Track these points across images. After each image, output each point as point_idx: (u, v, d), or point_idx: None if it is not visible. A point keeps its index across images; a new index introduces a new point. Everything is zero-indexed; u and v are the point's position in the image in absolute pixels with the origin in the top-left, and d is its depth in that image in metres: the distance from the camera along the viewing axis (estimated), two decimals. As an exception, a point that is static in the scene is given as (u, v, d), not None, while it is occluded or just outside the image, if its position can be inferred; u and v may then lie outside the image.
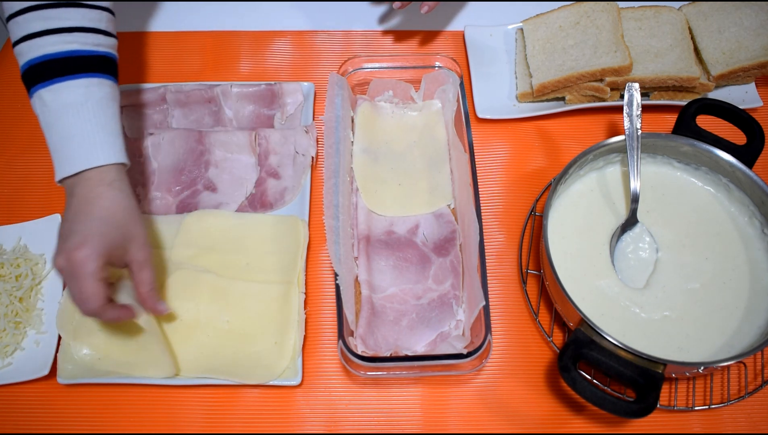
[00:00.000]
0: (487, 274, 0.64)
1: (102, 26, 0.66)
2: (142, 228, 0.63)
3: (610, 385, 0.66)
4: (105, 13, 0.67)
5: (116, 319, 0.61)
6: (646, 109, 0.84)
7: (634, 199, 0.69)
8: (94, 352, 0.66)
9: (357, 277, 0.70)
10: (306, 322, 0.69)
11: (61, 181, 0.62)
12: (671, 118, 0.77)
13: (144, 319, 0.63)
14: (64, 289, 0.69)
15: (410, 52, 0.91)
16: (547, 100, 0.86)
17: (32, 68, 0.62)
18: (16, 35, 0.63)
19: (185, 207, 0.76)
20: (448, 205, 0.76)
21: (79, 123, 0.61)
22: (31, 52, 0.62)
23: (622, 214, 0.72)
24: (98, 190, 0.61)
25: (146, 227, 0.64)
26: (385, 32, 0.94)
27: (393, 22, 0.95)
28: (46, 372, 0.65)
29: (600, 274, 0.68)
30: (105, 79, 0.64)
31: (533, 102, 0.86)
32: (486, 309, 0.62)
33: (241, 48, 0.92)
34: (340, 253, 0.66)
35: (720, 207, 0.72)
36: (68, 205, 0.62)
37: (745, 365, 0.67)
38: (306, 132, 0.79)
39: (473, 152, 0.73)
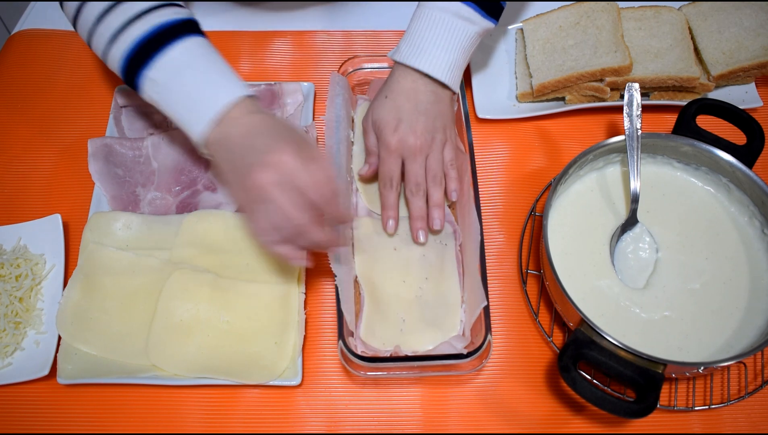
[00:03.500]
0: (487, 274, 0.64)
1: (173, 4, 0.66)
2: (307, 140, 0.62)
3: (610, 385, 0.66)
4: None
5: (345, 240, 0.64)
6: (646, 109, 0.84)
7: (634, 199, 0.69)
8: (94, 352, 0.66)
9: (356, 277, 0.70)
10: (306, 322, 0.69)
11: (206, 144, 0.61)
12: (671, 118, 0.77)
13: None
14: (64, 288, 0.69)
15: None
16: (547, 100, 0.86)
17: (129, 60, 0.62)
18: (101, 43, 0.64)
19: (185, 207, 0.76)
20: (448, 205, 0.75)
21: (196, 76, 0.61)
22: (121, 48, 0.62)
23: (622, 214, 0.72)
24: (256, 119, 0.60)
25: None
26: (385, 32, 0.94)
27: (393, 22, 0.95)
28: (46, 372, 0.65)
29: (600, 274, 0.68)
30: (196, 38, 0.64)
31: (533, 102, 0.86)
32: (486, 309, 0.62)
33: (241, 48, 0.92)
34: (340, 254, 0.66)
35: (720, 207, 0.72)
36: (230, 151, 0.60)
37: (745, 365, 0.67)
38: (306, 132, 0.79)
39: (473, 152, 0.73)
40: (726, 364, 0.58)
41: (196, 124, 0.61)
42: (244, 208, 0.63)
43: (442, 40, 0.67)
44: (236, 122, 0.60)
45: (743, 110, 0.71)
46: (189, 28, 0.64)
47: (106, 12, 0.63)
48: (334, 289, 0.64)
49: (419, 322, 0.68)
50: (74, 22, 0.67)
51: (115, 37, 0.63)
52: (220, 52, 0.65)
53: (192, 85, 0.61)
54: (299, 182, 0.57)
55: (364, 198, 0.76)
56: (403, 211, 0.75)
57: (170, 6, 0.65)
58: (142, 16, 0.63)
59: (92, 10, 0.64)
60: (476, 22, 0.68)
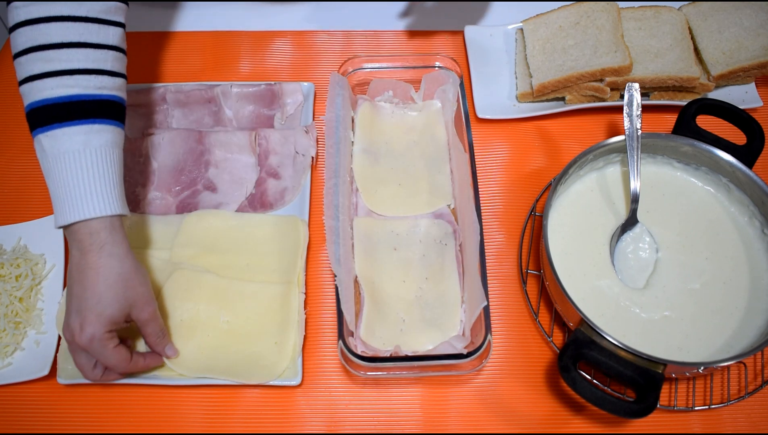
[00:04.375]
0: (487, 274, 0.64)
1: (107, 66, 0.63)
2: (141, 287, 0.62)
3: (610, 385, 0.66)
4: (111, 52, 0.64)
5: (146, 367, 0.64)
6: (646, 109, 0.84)
7: (634, 199, 0.69)
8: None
9: (356, 277, 0.70)
10: (306, 322, 0.69)
11: (61, 228, 0.61)
12: (671, 118, 0.77)
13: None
14: (64, 288, 0.69)
15: (410, 52, 0.91)
16: (547, 100, 0.86)
17: (33, 111, 0.60)
18: (20, 76, 0.62)
19: (185, 207, 0.76)
20: (448, 205, 0.76)
21: (74, 172, 0.59)
22: (32, 94, 0.60)
23: (622, 214, 0.72)
24: (89, 260, 0.59)
25: (146, 283, 0.63)
26: (385, 32, 0.94)
27: (393, 22, 0.95)
28: (46, 372, 0.65)
29: (600, 274, 0.68)
30: (107, 125, 0.62)
31: (533, 102, 0.86)
32: (486, 309, 0.62)
33: (241, 48, 0.92)
34: (340, 253, 0.66)
35: (720, 207, 0.72)
36: (69, 264, 0.61)
37: (745, 365, 0.67)
38: (306, 132, 0.79)
39: (473, 152, 0.73)
40: (726, 364, 0.58)
41: (57, 212, 0.60)
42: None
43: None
44: (79, 247, 0.60)
45: (743, 110, 0.71)
46: (106, 110, 0.62)
47: (42, 48, 0.60)
48: (334, 289, 0.64)
49: (419, 322, 0.68)
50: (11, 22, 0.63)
51: (33, 79, 0.60)
52: (120, 150, 0.64)
53: (70, 176, 0.59)
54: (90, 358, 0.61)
55: (364, 198, 0.76)
56: (402, 211, 0.75)
57: (101, 75, 0.62)
58: (67, 74, 0.60)
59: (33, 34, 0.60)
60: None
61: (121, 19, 0.66)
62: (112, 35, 0.65)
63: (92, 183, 0.60)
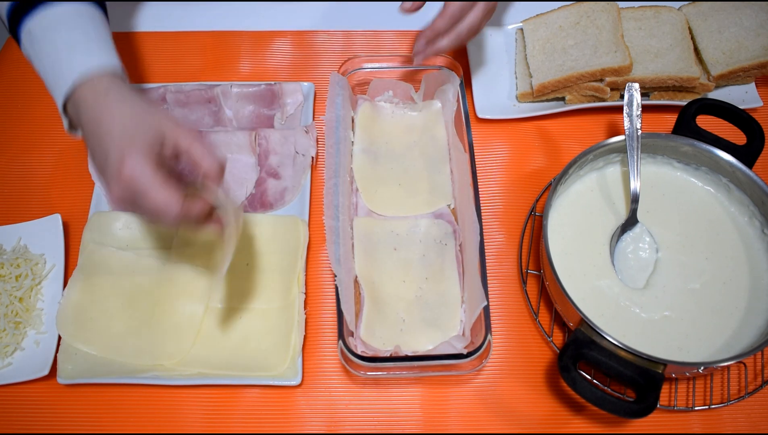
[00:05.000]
0: (487, 274, 0.64)
1: None
2: (164, 116, 0.58)
3: (610, 385, 0.66)
4: None
5: (201, 211, 0.56)
6: (646, 109, 0.84)
7: (634, 199, 0.69)
8: (94, 352, 0.66)
9: (356, 277, 0.70)
10: (306, 322, 0.69)
11: (66, 114, 0.60)
12: (671, 118, 0.77)
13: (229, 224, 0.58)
14: (64, 288, 0.69)
15: (410, 52, 0.91)
16: (547, 100, 0.86)
17: (14, 9, 0.61)
18: None
19: (185, 207, 0.76)
20: (448, 205, 0.76)
21: (63, 38, 0.60)
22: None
23: (622, 214, 0.72)
24: (101, 107, 0.57)
25: (170, 116, 0.59)
26: (385, 32, 0.94)
27: (393, 22, 0.95)
28: (46, 372, 0.65)
29: (600, 274, 0.68)
30: (91, 7, 0.63)
31: (533, 102, 0.86)
32: (486, 309, 0.62)
33: (241, 48, 0.92)
34: (340, 254, 0.66)
35: (720, 207, 0.72)
36: (86, 139, 0.58)
37: (745, 365, 0.67)
38: (306, 132, 0.79)
39: (473, 152, 0.73)
40: (726, 364, 0.58)
41: (56, 90, 0.59)
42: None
43: None
44: (86, 106, 0.57)
45: (743, 110, 0.71)
46: None
47: None
48: (334, 289, 0.64)
49: (419, 322, 0.68)
50: None
51: None
52: (107, 26, 0.64)
53: (59, 43, 0.59)
54: (143, 205, 0.55)
55: (364, 198, 0.76)
56: (402, 211, 0.75)
57: None
58: None
59: None
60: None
61: None
62: None
63: (81, 40, 0.60)
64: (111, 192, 0.55)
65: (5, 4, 0.63)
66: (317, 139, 0.80)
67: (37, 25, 0.60)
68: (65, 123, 0.62)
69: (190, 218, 0.55)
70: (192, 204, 0.55)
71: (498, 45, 0.90)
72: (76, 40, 0.60)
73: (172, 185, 0.54)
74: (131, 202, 0.55)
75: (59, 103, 0.60)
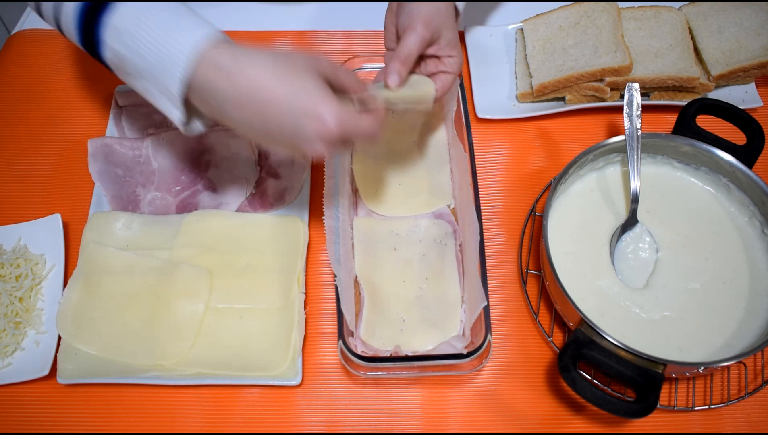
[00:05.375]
0: (487, 274, 0.64)
1: None
2: (301, 57, 0.54)
3: (610, 385, 0.66)
4: None
5: (383, 115, 0.57)
6: (646, 109, 0.84)
7: (634, 199, 0.69)
8: (94, 352, 0.66)
9: (356, 277, 0.70)
10: (306, 322, 0.69)
11: (187, 104, 0.55)
12: (671, 118, 0.77)
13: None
14: (64, 288, 0.69)
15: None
16: (547, 100, 0.86)
17: (88, 9, 0.55)
18: (50, 13, 0.58)
19: (185, 207, 0.76)
20: (448, 205, 0.76)
21: (158, 23, 0.54)
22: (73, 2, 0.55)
23: (622, 214, 0.72)
24: (245, 78, 0.52)
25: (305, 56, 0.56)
26: (385, 32, 0.94)
27: (393, 22, 0.94)
28: (46, 372, 0.65)
29: (600, 274, 0.68)
30: None
31: (533, 102, 0.86)
32: (486, 309, 0.62)
33: (241, 48, 0.92)
34: (340, 254, 0.66)
35: (720, 207, 0.72)
36: (229, 118, 0.54)
37: (745, 365, 0.67)
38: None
39: (473, 152, 0.73)
40: (726, 364, 0.58)
41: (172, 74, 0.53)
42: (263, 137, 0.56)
43: None
44: (215, 82, 0.53)
45: (743, 110, 0.71)
46: None
47: None
48: (334, 289, 0.64)
49: (419, 322, 0.68)
50: (41, 13, 0.60)
51: None
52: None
53: (160, 29, 0.53)
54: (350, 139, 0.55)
55: (364, 198, 0.76)
56: (402, 211, 0.75)
57: None
58: None
59: None
60: None
61: None
62: None
63: (178, 21, 0.54)
64: (315, 148, 0.53)
65: (73, 5, 0.56)
66: (317, 139, 0.80)
67: (124, 19, 0.54)
68: (179, 116, 0.56)
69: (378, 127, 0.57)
70: (376, 112, 0.57)
71: (498, 45, 0.90)
72: (172, 22, 0.54)
73: (361, 112, 0.55)
74: (340, 144, 0.54)
75: (177, 90, 0.53)
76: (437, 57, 0.66)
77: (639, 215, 0.70)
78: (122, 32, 0.54)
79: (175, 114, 0.56)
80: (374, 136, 0.57)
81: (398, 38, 0.65)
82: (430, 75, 0.67)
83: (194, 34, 0.53)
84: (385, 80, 0.62)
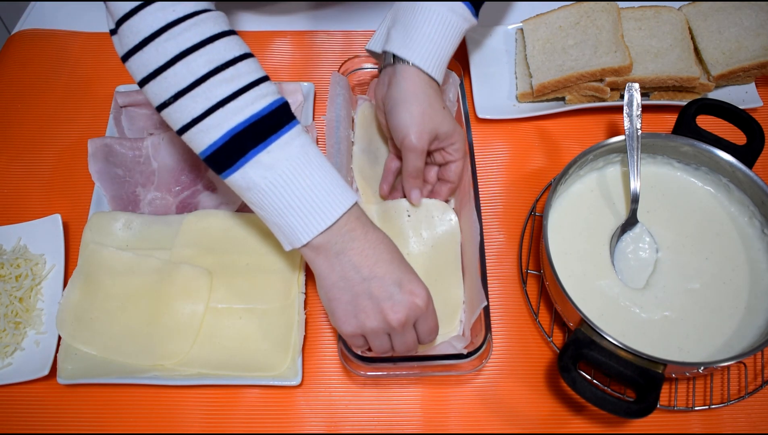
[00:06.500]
0: (487, 274, 0.64)
1: (260, 74, 0.56)
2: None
3: (610, 385, 0.66)
4: (245, 60, 0.56)
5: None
6: (646, 109, 0.84)
7: (634, 199, 0.69)
8: (94, 352, 0.66)
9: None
10: (306, 322, 0.69)
11: (307, 245, 0.56)
12: (671, 118, 0.77)
13: None
14: (64, 288, 0.69)
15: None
16: (547, 100, 0.86)
17: (232, 139, 0.53)
18: (179, 122, 0.55)
19: (185, 207, 0.76)
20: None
21: (310, 175, 0.54)
22: (213, 130, 0.53)
23: (622, 214, 0.72)
24: (371, 238, 0.56)
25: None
26: (385, 32, 0.94)
27: (393, 22, 0.94)
28: (46, 372, 0.65)
29: (600, 274, 0.68)
30: (295, 126, 0.56)
31: (533, 102, 0.86)
32: (486, 309, 0.62)
33: (241, 48, 0.92)
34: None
35: (720, 207, 0.72)
36: (343, 269, 0.56)
37: (745, 365, 0.67)
38: (306, 132, 0.79)
39: (473, 152, 0.73)
40: (726, 364, 0.58)
41: (308, 224, 0.55)
42: (339, 310, 0.57)
43: (437, 35, 0.66)
44: (349, 237, 0.56)
45: (743, 110, 0.71)
46: (287, 113, 0.56)
47: (198, 84, 0.53)
48: (334, 289, 0.64)
49: (419, 322, 0.67)
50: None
51: (208, 114, 0.53)
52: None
53: (311, 180, 0.54)
54: (420, 326, 0.59)
55: (364, 198, 0.76)
56: (397, 211, 0.75)
57: (260, 83, 0.55)
58: (242, 93, 0.54)
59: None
60: (467, 19, 0.68)
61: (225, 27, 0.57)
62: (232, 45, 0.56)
63: (330, 178, 0.56)
64: (396, 316, 0.56)
65: (199, 142, 0.55)
66: (317, 139, 0.80)
67: (274, 160, 0.54)
68: (295, 244, 0.57)
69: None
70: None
71: (498, 45, 0.90)
72: (325, 179, 0.55)
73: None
74: (409, 326, 0.58)
75: (315, 229, 0.55)
76: (441, 148, 0.69)
77: (639, 215, 0.70)
78: (275, 172, 0.54)
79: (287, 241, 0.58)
80: (435, 333, 0.60)
81: (391, 138, 0.69)
82: (440, 166, 0.72)
83: (343, 199, 0.56)
84: (409, 199, 0.70)
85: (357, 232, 0.56)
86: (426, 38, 0.66)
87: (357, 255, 0.56)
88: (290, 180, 0.54)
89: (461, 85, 0.78)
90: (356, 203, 0.57)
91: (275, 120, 0.55)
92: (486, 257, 0.66)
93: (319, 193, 0.55)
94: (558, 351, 0.66)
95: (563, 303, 0.63)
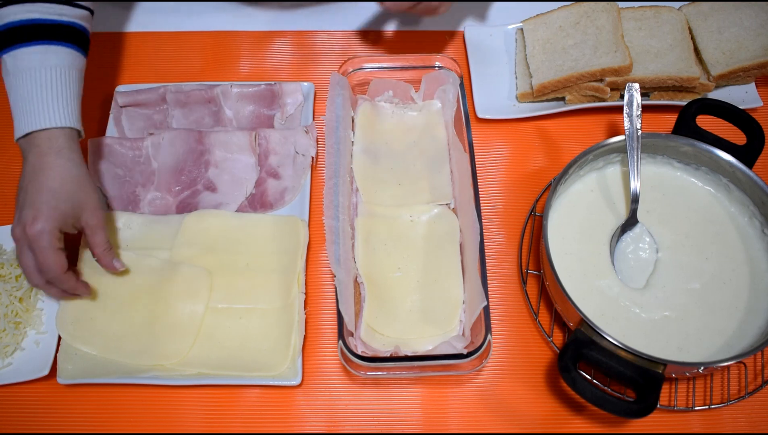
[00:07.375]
0: (487, 274, 0.64)
1: None
2: (93, 193, 0.66)
3: (610, 385, 0.66)
4: None
5: (72, 289, 0.65)
6: (646, 109, 0.84)
7: (634, 199, 0.69)
8: (94, 352, 0.66)
9: (356, 277, 0.70)
10: (306, 322, 0.69)
11: (18, 142, 0.65)
12: (671, 118, 0.77)
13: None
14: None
15: (410, 52, 0.91)
16: (547, 100, 0.86)
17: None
18: None
19: (185, 207, 0.76)
20: (448, 205, 0.75)
21: (31, 87, 0.64)
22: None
23: (622, 214, 0.72)
24: (47, 160, 0.63)
25: (97, 192, 0.67)
26: (385, 32, 0.94)
27: (393, 22, 0.95)
28: (46, 372, 0.65)
29: (600, 274, 0.68)
30: (63, 47, 0.67)
31: (533, 102, 0.86)
32: (486, 309, 0.62)
33: (241, 48, 0.92)
34: (339, 254, 0.66)
35: (720, 207, 0.72)
36: (23, 171, 0.64)
37: (745, 365, 0.67)
38: (306, 132, 0.79)
39: (473, 152, 0.73)
40: (726, 364, 0.58)
41: (16, 125, 0.65)
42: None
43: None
44: (36, 151, 0.64)
45: (743, 110, 0.71)
46: (64, 34, 0.67)
47: None
48: (334, 289, 0.64)
49: (419, 323, 0.68)
50: None
51: (2, 5, 0.65)
52: (79, 72, 0.68)
53: (27, 90, 0.64)
54: (30, 256, 0.62)
55: (364, 198, 0.76)
56: (399, 210, 0.75)
57: (62, 4, 0.67)
58: (29, 2, 0.65)
59: None
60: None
61: None
62: None
63: (50, 98, 0.64)
64: (13, 230, 0.63)
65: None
66: (317, 139, 0.80)
67: (12, 65, 0.65)
68: (15, 138, 0.66)
69: (59, 286, 0.64)
70: (68, 279, 0.64)
71: (498, 45, 0.90)
72: (41, 95, 0.64)
73: (62, 256, 0.63)
74: (22, 248, 0.62)
75: (15, 136, 0.65)
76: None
77: (639, 215, 0.70)
78: (7, 70, 0.65)
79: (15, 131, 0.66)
80: (46, 270, 0.62)
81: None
82: None
83: (51, 119, 0.64)
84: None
85: (42, 147, 0.64)
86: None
87: (30, 168, 0.64)
88: (11, 86, 0.65)
89: (461, 85, 0.78)
90: (54, 129, 0.64)
91: (34, 32, 0.65)
92: (486, 257, 0.66)
93: (25, 106, 0.64)
94: (558, 351, 0.66)
95: (563, 303, 0.63)
